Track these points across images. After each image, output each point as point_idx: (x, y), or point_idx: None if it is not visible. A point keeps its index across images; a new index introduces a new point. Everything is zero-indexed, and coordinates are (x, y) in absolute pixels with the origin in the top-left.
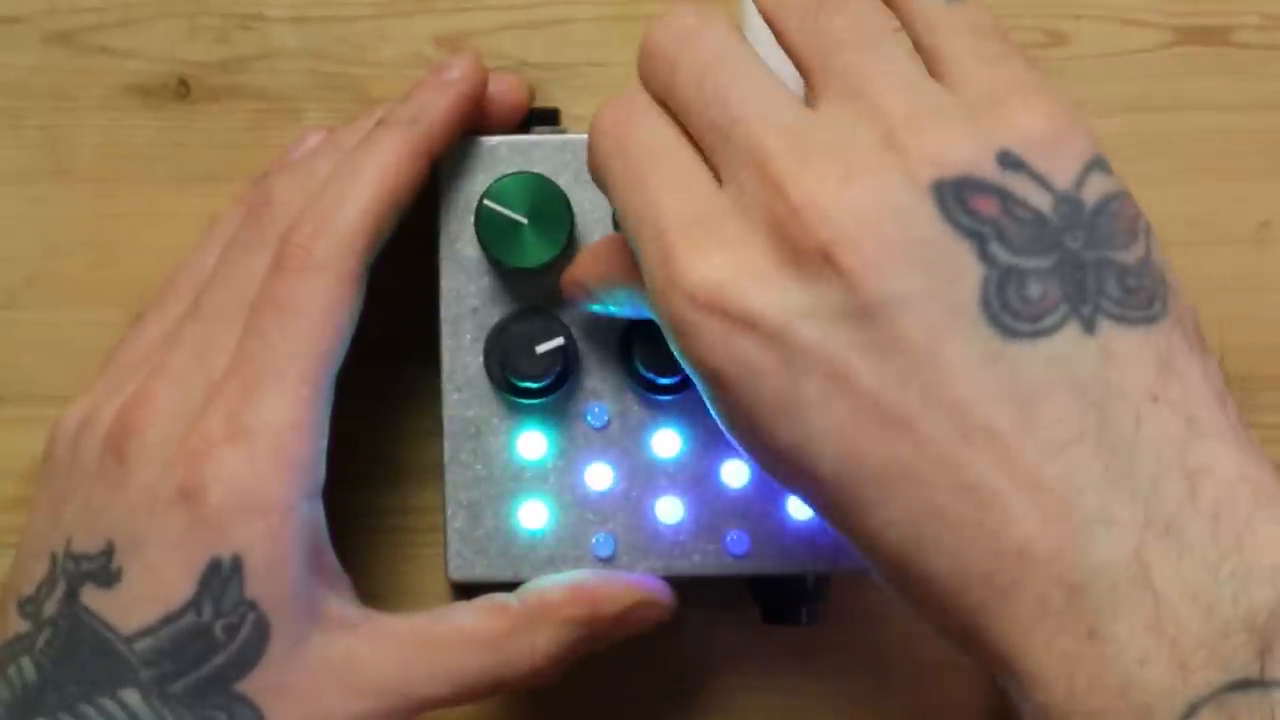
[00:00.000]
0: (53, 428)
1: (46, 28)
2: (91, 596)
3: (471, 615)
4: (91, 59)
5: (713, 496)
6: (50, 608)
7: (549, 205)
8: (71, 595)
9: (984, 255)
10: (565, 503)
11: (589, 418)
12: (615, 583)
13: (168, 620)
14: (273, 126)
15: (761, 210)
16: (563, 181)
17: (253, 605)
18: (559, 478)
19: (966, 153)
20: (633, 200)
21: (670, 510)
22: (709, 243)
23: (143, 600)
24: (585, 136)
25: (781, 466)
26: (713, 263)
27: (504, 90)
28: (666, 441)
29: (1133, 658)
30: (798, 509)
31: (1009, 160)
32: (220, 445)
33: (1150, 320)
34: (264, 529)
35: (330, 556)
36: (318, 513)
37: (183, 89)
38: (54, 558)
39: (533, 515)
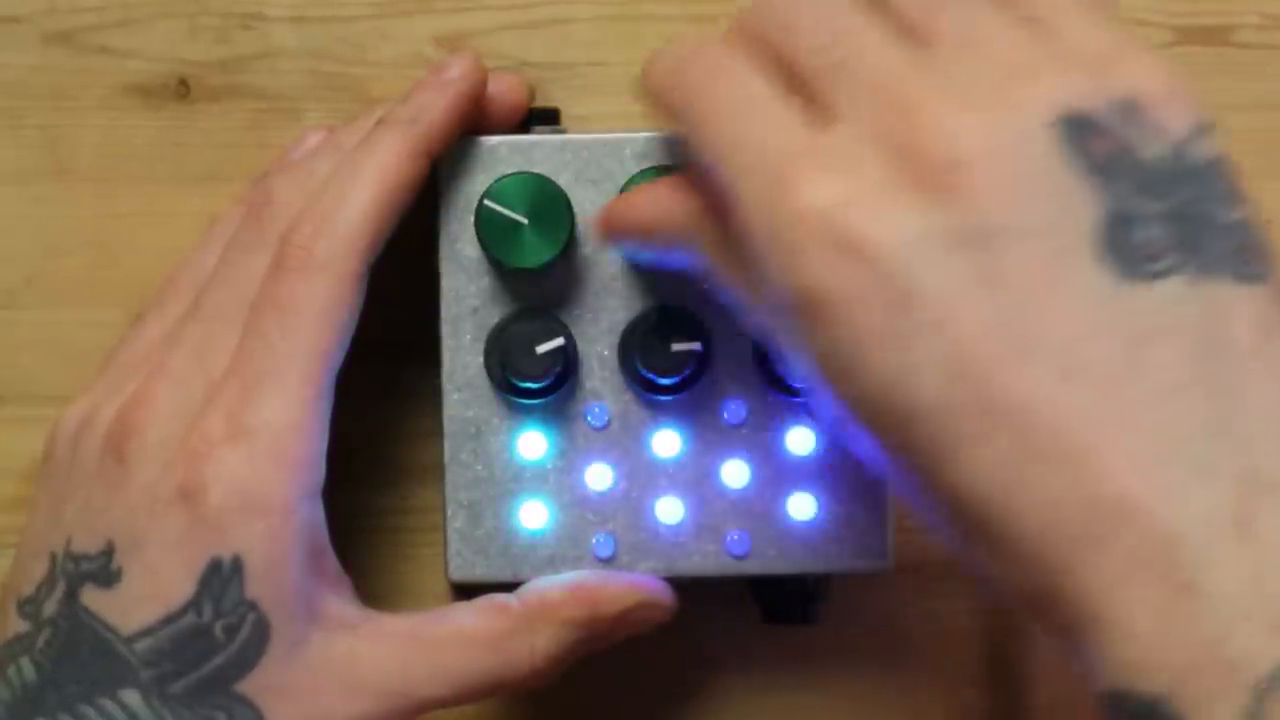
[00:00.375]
0: (53, 428)
1: (46, 27)
2: (91, 597)
3: (472, 616)
4: (91, 59)
5: (713, 497)
6: (50, 608)
7: (549, 205)
8: (71, 595)
9: (1101, 195)
10: (565, 503)
11: (589, 418)
12: (615, 583)
13: (168, 620)
14: (273, 126)
15: (883, 135)
16: (563, 181)
17: (253, 605)
18: (559, 478)
19: (1087, 95)
20: (731, 138)
21: (670, 510)
22: (821, 169)
23: (143, 600)
24: (585, 136)
25: (868, 405)
26: (825, 186)
27: (504, 90)
28: (667, 442)
29: (1226, 614)
30: (798, 509)
31: (1126, 107)
32: (220, 445)
33: (1256, 279)
34: (264, 529)
35: (330, 557)
36: (318, 513)
37: (183, 89)
38: (54, 558)
39: (533, 515)
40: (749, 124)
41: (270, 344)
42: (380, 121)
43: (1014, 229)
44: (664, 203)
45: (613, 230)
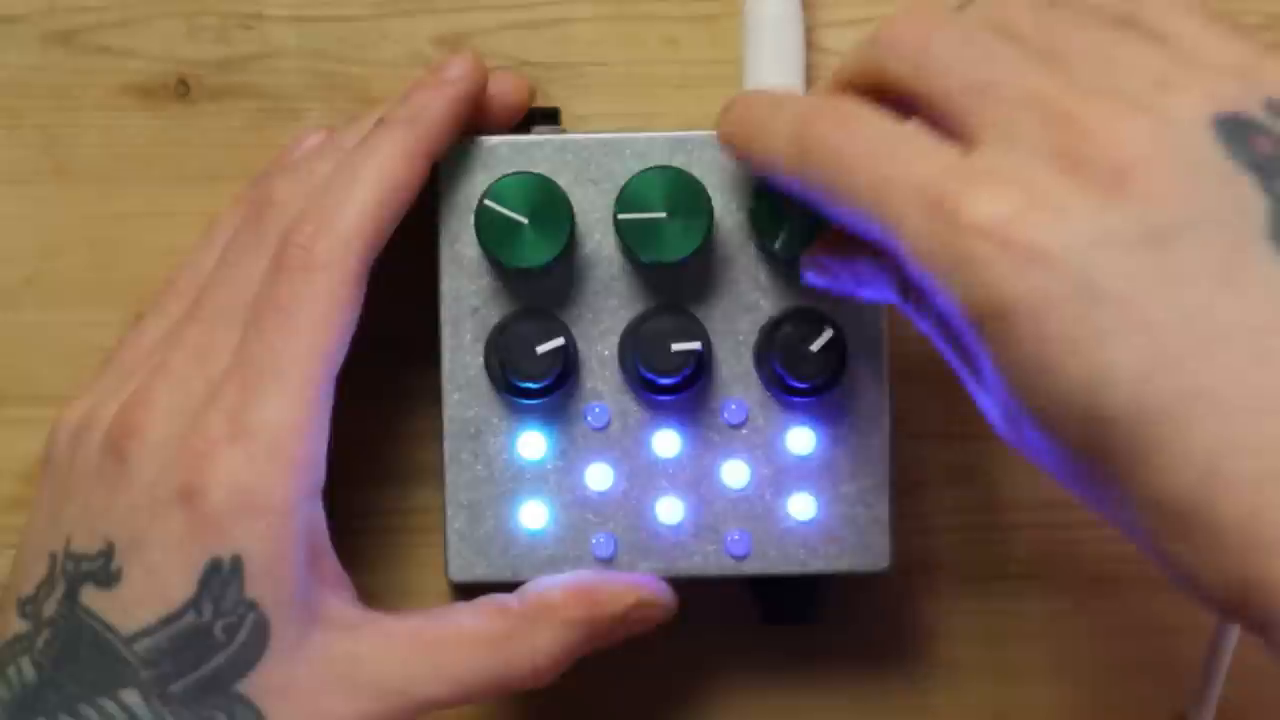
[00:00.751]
0: (53, 428)
1: (46, 27)
2: (91, 597)
3: (472, 616)
4: (91, 58)
5: (713, 497)
6: (50, 608)
7: (549, 205)
8: (71, 595)
9: (1268, 188)
10: (565, 503)
11: (589, 418)
12: (616, 583)
13: (168, 620)
14: (272, 126)
15: (1044, 145)
16: (563, 181)
17: (253, 605)
18: (559, 478)
19: (1239, 99)
20: (874, 176)
21: (670, 510)
22: (986, 184)
23: (143, 600)
24: (586, 136)
25: (1063, 411)
26: (997, 200)
27: (504, 90)
28: (667, 442)
29: None
30: (798, 509)
31: (1277, 106)
32: (221, 445)
33: None
34: (264, 529)
35: (331, 557)
36: (318, 513)
37: (182, 88)
38: (53, 558)
39: (533, 516)
40: (894, 163)
41: (270, 344)
42: (380, 121)
43: (1189, 225)
44: (845, 244)
45: (814, 271)
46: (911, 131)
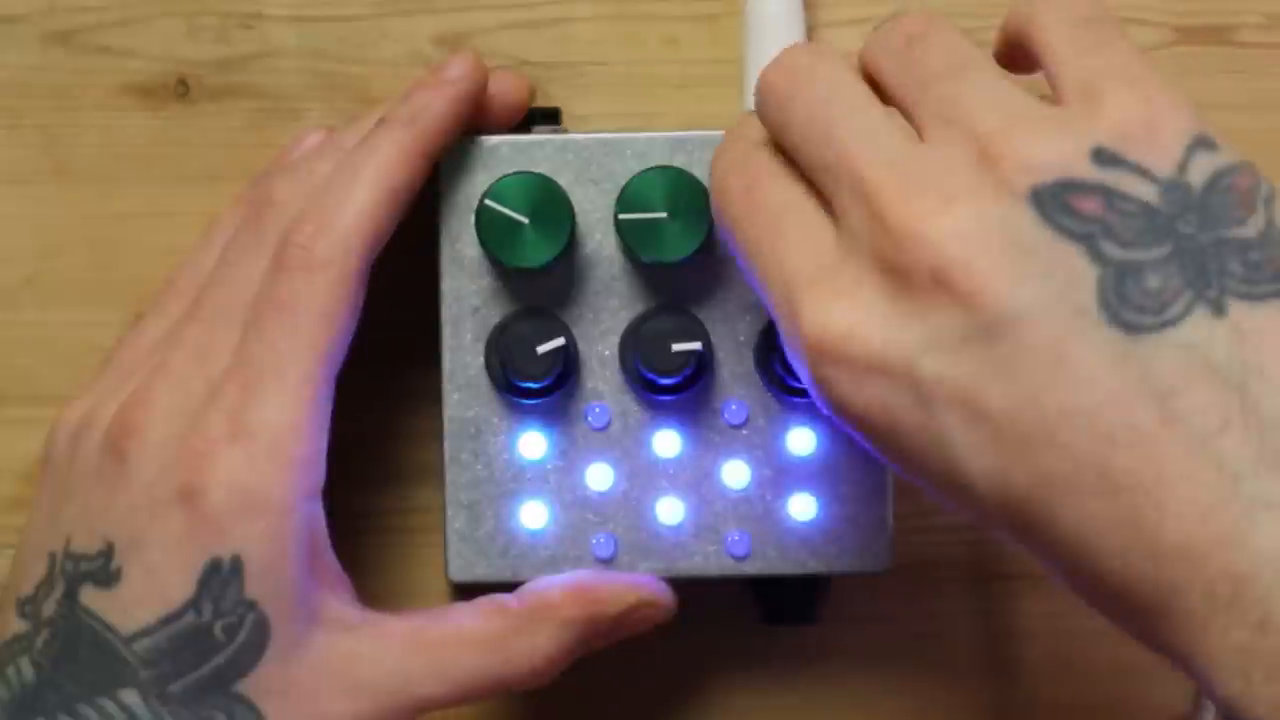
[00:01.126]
0: (52, 428)
1: (46, 27)
2: (91, 597)
3: (471, 615)
4: (91, 58)
5: (713, 497)
6: (49, 608)
7: (550, 205)
8: (70, 595)
9: (1095, 255)
10: (566, 503)
11: (589, 418)
12: (616, 583)
13: (167, 620)
14: (272, 126)
15: (870, 248)
16: (564, 181)
17: (252, 605)
18: (559, 478)
19: (1060, 155)
20: (761, 262)
21: (671, 511)
22: (826, 294)
23: (142, 600)
24: (587, 136)
25: (945, 495)
26: (832, 314)
27: (505, 90)
28: (667, 442)
29: None
30: (799, 510)
31: (1105, 156)
32: (220, 445)
33: (1277, 293)
34: (264, 529)
35: (330, 557)
36: (318, 513)
37: (182, 88)
38: (53, 558)
39: (533, 516)
40: (776, 246)
41: (270, 344)
42: (380, 121)
43: (1017, 311)
44: None
45: None
46: (800, 205)
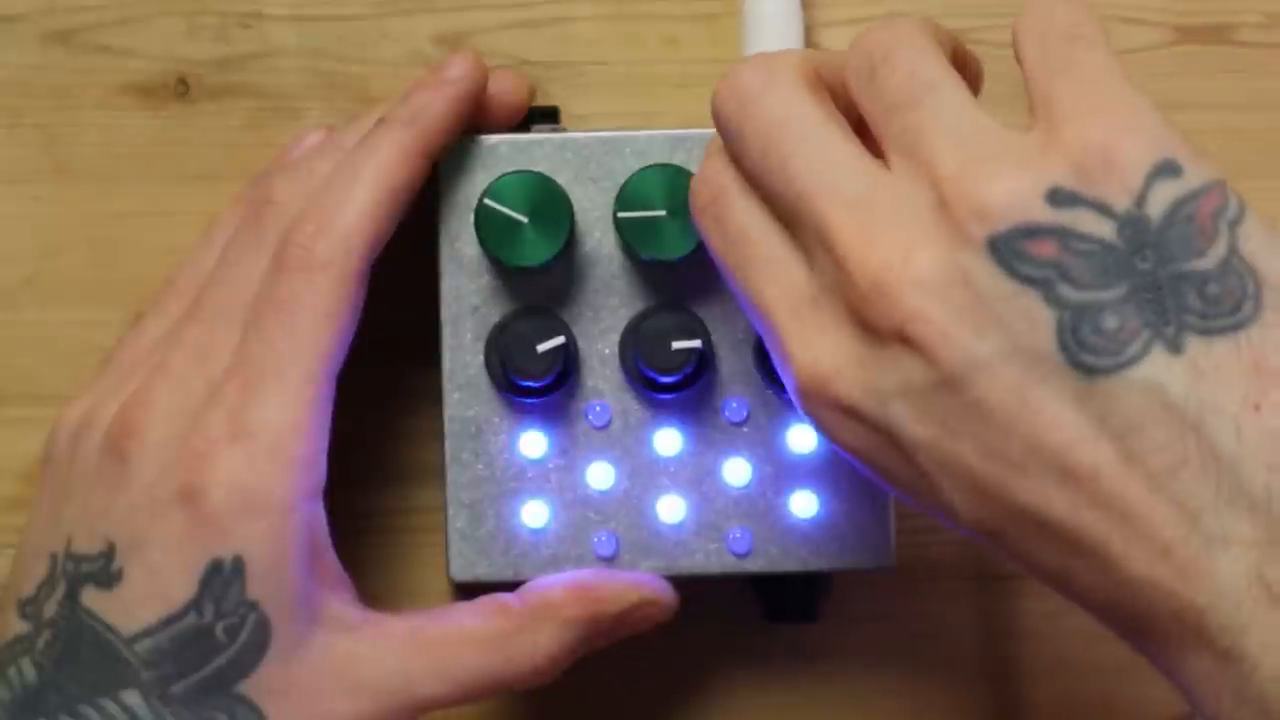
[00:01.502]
0: (52, 428)
1: (45, 26)
2: (92, 598)
3: (473, 614)
4: (90, 58)
5: (714, 495)
6: (50, 609)
7: (549, 204)
8: (72, 596)
9: (1052, 299)
10: (567, 502)
11: (590, 417)
12: (617, 582)
13: (169, 621)
14: (272, 125)
15: (840, 293)
16: (563, 180)
17: (254, 606)
18: (560, 477)
19: (1016, 200)
20: (739, 284)
21: (672, 509)
22: (808, 330)
23: (144, 601)
24: (586, 135)
25: (937, 517)
26: (814, 355)
27: (504, 89)
28: (668, 440)
29: (1265, 675)
30: (800, 507)
31: (1060, 196)
32: (221, 445)
33: (1239, 325)
34: (265, 529)
35: (331, 557)
36: (319, 513)
37: (182, 88)
38: (54, 558)
39: (534, 515)
40: (752, 268)
41: (271, 344)
42: (380, 121)
43: (976, 362)
44: None
45: None
46: (768, 237)
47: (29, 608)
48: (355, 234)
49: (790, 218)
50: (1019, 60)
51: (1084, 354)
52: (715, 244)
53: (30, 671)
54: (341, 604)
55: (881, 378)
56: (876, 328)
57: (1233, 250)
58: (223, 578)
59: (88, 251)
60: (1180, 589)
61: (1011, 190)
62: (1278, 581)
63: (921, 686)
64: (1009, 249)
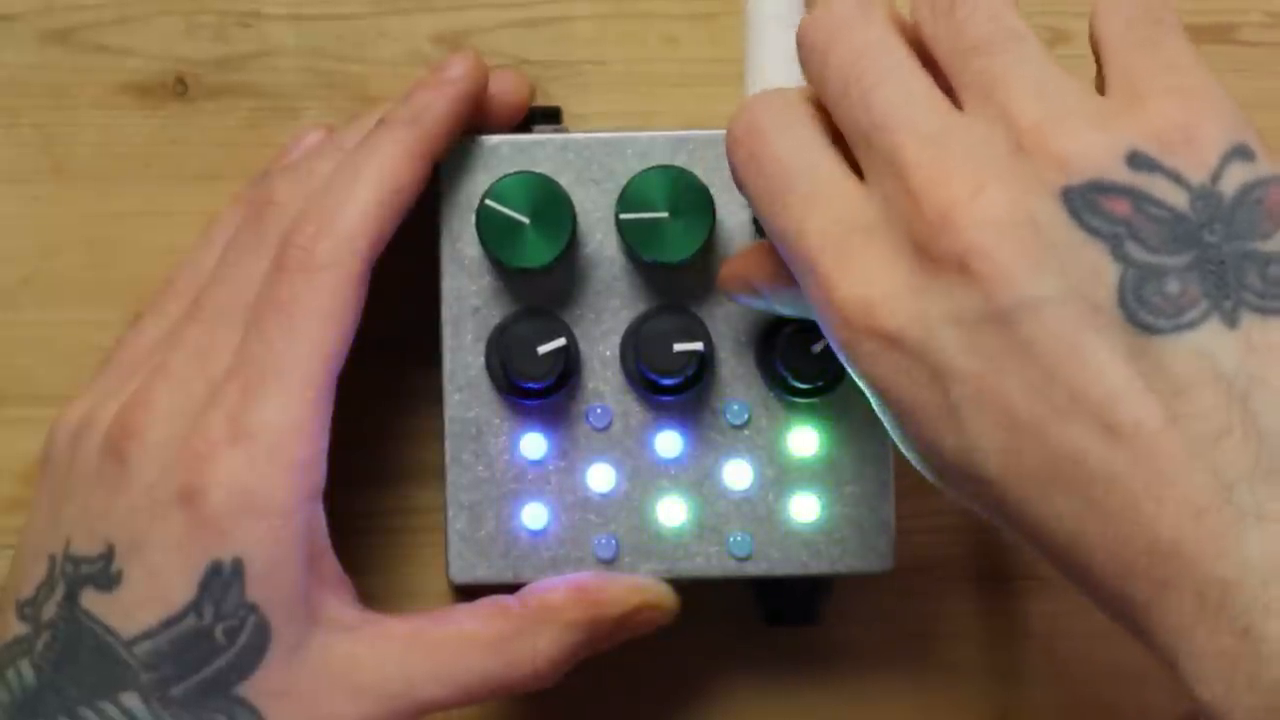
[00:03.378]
0: (51, 429)
1: (43, 25)
2: (91, 600)
3: (472, 617)
4: (88, 57)
5: (715, 498)
6: (49, 610)
7: (551, 205)
8: (71, 598)
9: (1119, 255)
10: (567, 504)
11: (591, 419)
12: (617, 585)
13: (168, 623)
14: (271, 125)
15: (903, 221)
16: (565, 181)
17: (253, 608)
18: (561, 479)
19: (1095, 156)
20: (776, 220)
21: (672, 512)
22: (854, 260)
23: (143, 603)
24: (587, 136)
25: (950, 472)
26: (859, 281)
27: (505, 89)
28: (669, 442)
29: None
30: (801, 510)
31: (1140, 160)
32: (221, 447)
33: None
34: (265, 531)
35: (331, 559)
36: (319, 515)
37: (180, 87)
38: (53, 560)
39: (534, 517)
40: (793, 199)
41: (271, 345)
42: (381, 121)
43: (1034, 301)
44: (767, 267)
45: (729, 284)
46: (815, 160)
47: (28, 609)
48: (356, 235)
49: (863, 146)
50: (1096, 37)
51: (1143, 311)
52: (752, 181)
53: (29, 673)
54: (341, 606)
55: (933, 305)
56: (936, 257)
57: None
58: (222, 580)
59: (86, 251)
60: (1208, 557)
61: (1093, 145)
62: None
63: (922, 688)
64: (1083, 200)
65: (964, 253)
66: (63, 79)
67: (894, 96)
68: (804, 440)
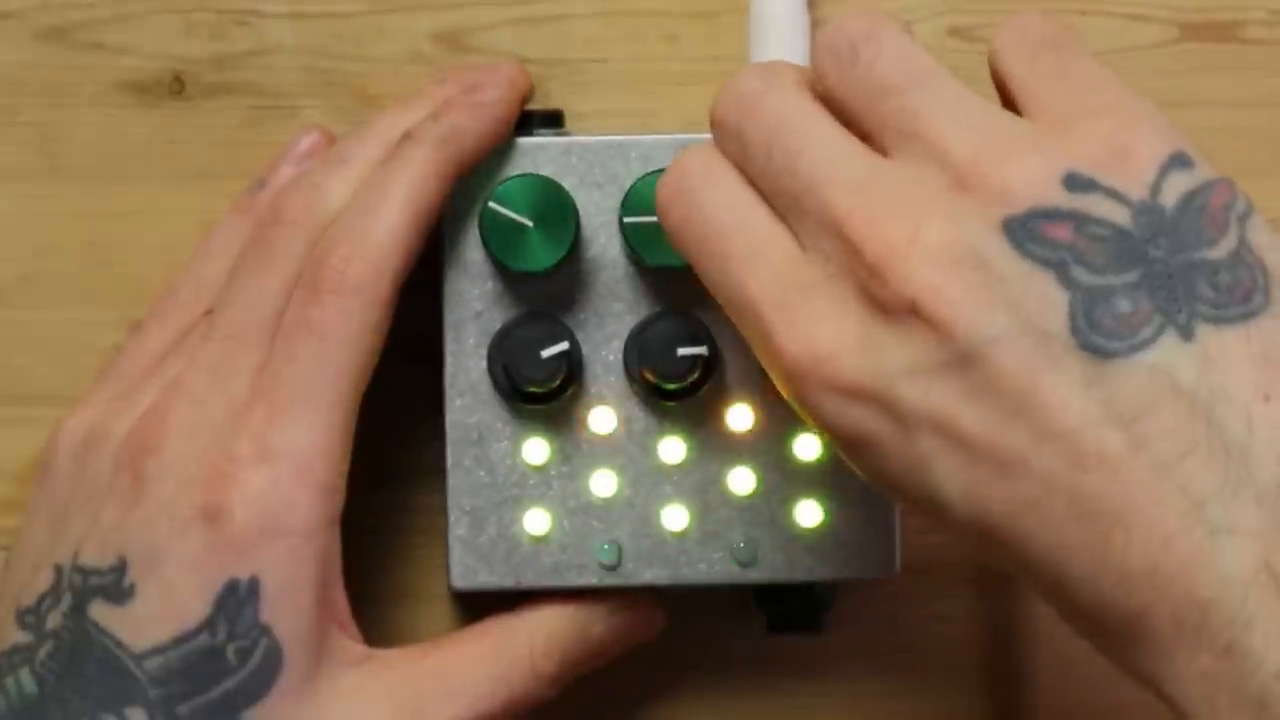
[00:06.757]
0: (53, 436)
1: (40, 23)
2: (101, 612)
3: (471, 636)
4: (85, 55)
5: (718, 504)
6: (54, 620)
7: (554, 208)
8: (79, 609)
9: (1066, 281)
10: (569, 510)
11: (594, 424)
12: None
13: (180, 640)
14: (269, 123)
15: (846, 275)
16: (568, 184)
17: (266, 630)
18: (563, 484)
19: (1032, 183)
20: (716, 280)
21: (676, 518)
22: (801, 318)
23: (156, 618)
24: (590, 139)
25: (923, 508)
26: (810, 338)
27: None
28: (672, 448)
29: (1269, 672)
30: (805, 517)
31: (1077, 182)
32: (246, 466)
33: (1249, 315)
34: (284, 552)
35: (340, 592)
36: (335, 541)
37: (177, 85)
38: (59, 570)
39: (536, 522)
40: (733, 257)
41: (300, 367)
42: (410, 137)
43: (988, 339)
44: None
45: None
46: (750, 218)
47: (29, 618)
48: (388, 257)
49: (795, 212)
50: (1001, 75)
51: (1096, 336)
52: (688, 239)
53: (30, 682)
54: (346, 640)
55: (888, 355)
56: (885, 305)
57: (1242, 242)
58: (237, 599)
59: (83, 250)
60: (1183, 580)
61: (1028, 173)
62: None
63: (925, 691)
64: (1024, 230)
65: (913, 297)
66: (59, 77)
67: (817, 155)
68: (808, 446)
